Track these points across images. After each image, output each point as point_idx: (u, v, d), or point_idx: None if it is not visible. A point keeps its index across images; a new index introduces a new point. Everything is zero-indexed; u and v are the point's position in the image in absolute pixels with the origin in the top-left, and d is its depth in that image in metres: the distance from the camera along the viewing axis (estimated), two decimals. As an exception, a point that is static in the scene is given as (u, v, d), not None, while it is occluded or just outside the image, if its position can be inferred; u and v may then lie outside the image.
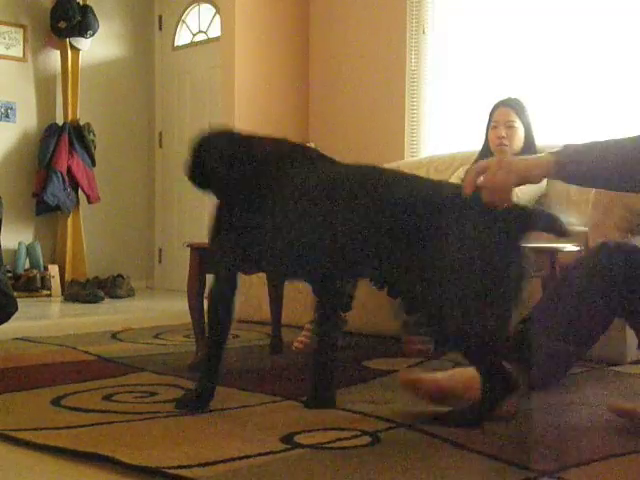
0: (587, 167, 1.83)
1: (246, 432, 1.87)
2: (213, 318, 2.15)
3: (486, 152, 3.42)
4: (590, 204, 2.89)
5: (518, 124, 3.39)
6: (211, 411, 2.07)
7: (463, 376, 2.01)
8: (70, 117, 5.88)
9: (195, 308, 2.74)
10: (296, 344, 3.13)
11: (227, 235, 2.15)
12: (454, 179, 3.51)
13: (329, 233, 1.97)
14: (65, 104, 5.90)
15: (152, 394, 2.27)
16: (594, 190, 2.88)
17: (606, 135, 1.97)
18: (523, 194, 3.39)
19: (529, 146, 3.37)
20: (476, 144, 3.66)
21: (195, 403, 2.10)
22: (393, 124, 4.89)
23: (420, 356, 2.97)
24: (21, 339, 3.35)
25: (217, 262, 2.18)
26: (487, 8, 4.52)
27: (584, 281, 2.07)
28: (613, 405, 1.98)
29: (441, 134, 4.74)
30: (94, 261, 5.98)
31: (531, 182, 1.84)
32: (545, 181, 3.44)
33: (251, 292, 3.90)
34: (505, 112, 3.42)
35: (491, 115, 3.49)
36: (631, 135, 1.85)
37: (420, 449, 1.73)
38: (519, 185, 1.84)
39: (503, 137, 3.36)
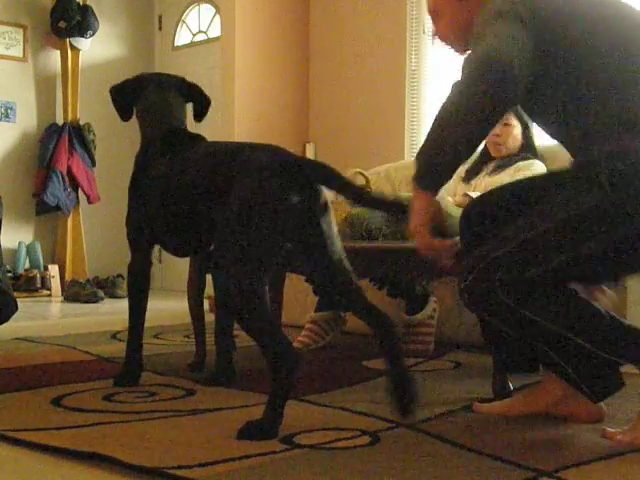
0: (441, 159, 1.75)
1: (246, 432, 1.87)
2: (132, 290, 2.41)
3: (484, 151, 3.44)
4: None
5: (515, 123, 3.38)
6: (211, 411, 2.07)
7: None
8: (70, 117, 5.88)
9: (195, 308, 2.74)
10: (296, 344, 3.13)
11: (132, 213, 2.41)
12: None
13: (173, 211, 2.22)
14: (65, 104, 5.90)
15: (152, 394, 2.27)
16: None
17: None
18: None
19: (527, 146, 3.37)
20: (476, 144, 3.65)
21: (126, 377, 2.38)
22: (393, 124, 4.89)
23: (420, 356, 2.97)
24: (21, 339, 3.35)
25: (128, 239, 2.42)
26: (487, 8, 4.52)
27: None
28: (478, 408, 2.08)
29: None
30: (94, 261, 5.98)
31: (436, 215, 1.82)
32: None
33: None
34: None
35: None
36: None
37: (420, 449, 1.73)
38: (438, 222, 1.83)
39: (498, 135, 3.36)
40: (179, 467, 1.57)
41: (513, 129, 3.35)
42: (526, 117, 3.41)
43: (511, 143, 3.35)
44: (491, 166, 3.41)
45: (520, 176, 3.35)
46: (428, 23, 4.76)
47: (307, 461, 1.63)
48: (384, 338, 1.98)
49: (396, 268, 2.65)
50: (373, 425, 1.92)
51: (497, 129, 3.40)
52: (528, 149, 3.37)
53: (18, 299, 3.05)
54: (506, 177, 3.34)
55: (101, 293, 5.36)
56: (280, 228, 1.88)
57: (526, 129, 3.37)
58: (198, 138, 2.39)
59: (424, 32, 4.78)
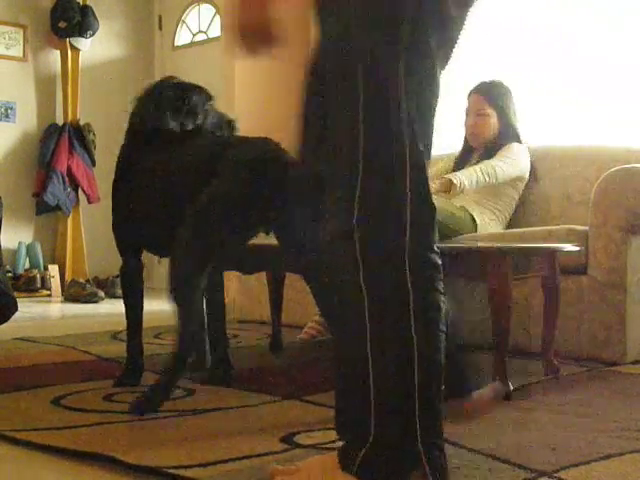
0: None
1: (246, 432, 1.87)
2: (125, 293, 2.42)
3: (466, 142, 3.49)
4: (590, 204, 2.89)
5: (490, 112, 3.37)
6: (211, 411, 2.07)
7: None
8: (70, 117, 5.88)
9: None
10: (302, 334, 3.15)
11: (117, 217, 2.39)
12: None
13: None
14: (65, 104, 5.90)
15: (152, 394, 2.27)
16: (594, 190, 2.88)
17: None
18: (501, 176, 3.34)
19: (505, 132, 3.36)
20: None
21: (127, 378, 2.37)
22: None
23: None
24: (21, 339, 3.35)
25: (116, 244, 2.41)
26: (487, 8, 4.51)
27: None
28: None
29: (441, 134, 4.73)
30: (94, 261, 5.98)
31: None
32: (528, 167, 3.43)
33: (251, 292, 3.90)
34: (475, 100, 3.43)
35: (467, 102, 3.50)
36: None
37: (420, 449, 1.73)
38: None
39: (473, 126, 3.38)
40: (179, 467, 1.57)
41: (488, 118, 3.36)
42: (503, 102, 3.41)
43: (487, 132, 3.37)
44: (475, 157, 3.43)
45: (506, 160, 3.33)
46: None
47: (307, 461, 1.63)
48: None
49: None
50: (373, 425, 1.92)
51: (472, 120, 3.41)
52: (505, 135, 3.37)
53: (18, 299, 3.05)
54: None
55: (101, 293, 5.36)
56: (241, 221, 1.97)
57: (503, 115, 3.37)
58: (185, 135, 2.36)
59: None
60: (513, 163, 3.30)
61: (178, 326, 2.05)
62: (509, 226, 3.41)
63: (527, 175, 3.40)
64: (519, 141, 3.38)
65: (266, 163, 2.02)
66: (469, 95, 3.47)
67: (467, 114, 3.45)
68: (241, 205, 1.98)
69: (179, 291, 2.02)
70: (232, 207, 1.97)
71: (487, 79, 3.49)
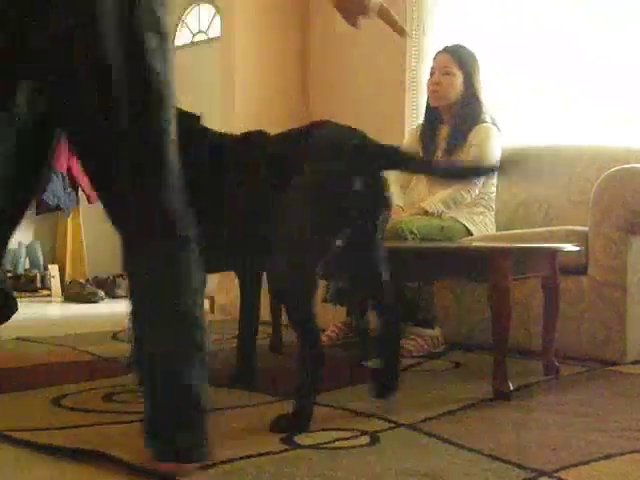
0: None
1: (246, 432, 1.87)
2: None
3: (427, 105, 3.45)
4: (590, 204, 2.89)
5: (456, 72, 3.33)
6: (211, 411, 2.07)
7: None
8: (70, 117, 5.88)
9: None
10: (324, 337, 3.19)
11: None
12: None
13: None
14: (65, 104, 5.89)
15: (152, 394, 2.27)
16: (594, 190, 2.88)
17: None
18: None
19: (468, 97, 3.32)
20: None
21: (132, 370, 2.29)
22: (393, 124, 4.88)
23: (415, 355, 2.96)
24: (21, 339, 3.35)
25: None
26: (488, 8, 4.51)
27: None
28: None
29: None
30: (94, 261, 5.98)
31: None
32: (499, 147, 3.40)
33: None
34: (442, 59, 3.39)
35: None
36: None
37: (420, 449, 1.73)
38: None
39: (437, 84, 3.34)
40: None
41: (454, 78, 3.32)
42: (470, 67, 3.37)
43: (452, 92, 3.32)
44: (443, 131, 3.38)
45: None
46: (428, 23, 4.76)
47: (307, 461, 1.63)
48: (388, 335, 2.04)
49: (396, 269, 2.65)
50: (373, 425, 1.92)
51: (436, 77, 3.37)
52: (468, 100, 3.32)
53: (18, 299, 3.05)
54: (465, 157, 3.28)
55: (101, 293, 5.36)
56: (341, 214, 1.88)
57: (469, 79, 3.33)
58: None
59: (424, 32, 4.78)
60: (490, 159, 3.26)
61: (301, 339, 1.90)
62: (497, 212, 3.40)
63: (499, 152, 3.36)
64: (485, 120, 3.32)
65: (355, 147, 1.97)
66: (436, 55, 3.43)
67: (432, 73, 3.40)
68: (334, 195, 1.88)
69: (294, 298, 1.89)
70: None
71: (456, 43, 3.45)
